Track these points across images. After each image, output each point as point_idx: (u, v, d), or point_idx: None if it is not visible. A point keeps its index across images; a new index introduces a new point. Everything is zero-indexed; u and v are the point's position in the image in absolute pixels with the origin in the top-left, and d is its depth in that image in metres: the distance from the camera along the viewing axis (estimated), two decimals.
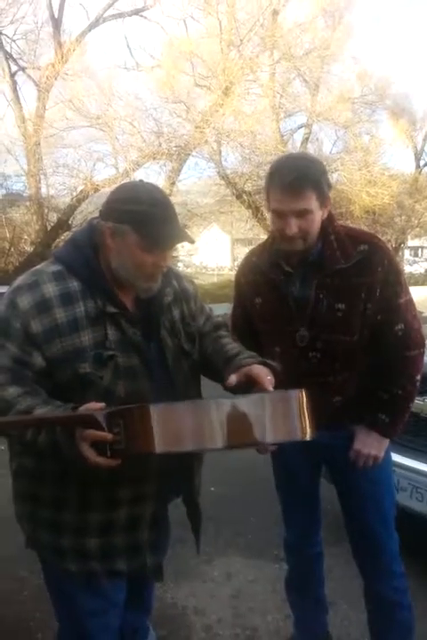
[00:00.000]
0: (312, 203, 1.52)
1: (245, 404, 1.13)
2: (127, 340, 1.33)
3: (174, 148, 12.04)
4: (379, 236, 1.77)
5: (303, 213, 1.53)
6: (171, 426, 1.10)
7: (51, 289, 1.30)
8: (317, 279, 1.60)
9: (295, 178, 1.50)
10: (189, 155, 12.89)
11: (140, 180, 1.41)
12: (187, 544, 1.95)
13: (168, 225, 1.30)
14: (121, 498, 1.35)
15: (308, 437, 1.17)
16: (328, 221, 1.63)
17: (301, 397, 1.18)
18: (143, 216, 1.27)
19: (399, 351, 1.62)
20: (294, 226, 1.53)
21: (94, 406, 1.17)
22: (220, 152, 13.56)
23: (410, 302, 1.65)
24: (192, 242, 1.39)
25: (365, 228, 9.58)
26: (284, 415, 1.16)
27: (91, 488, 1.32)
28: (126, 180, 10.53)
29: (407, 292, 1.65)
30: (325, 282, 1.60)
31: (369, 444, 1.66)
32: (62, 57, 12.51)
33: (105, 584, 1.39)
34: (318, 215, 1.56)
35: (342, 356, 1.63)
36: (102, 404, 1.17)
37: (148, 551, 1.41)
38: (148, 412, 1.10)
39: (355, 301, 1.59)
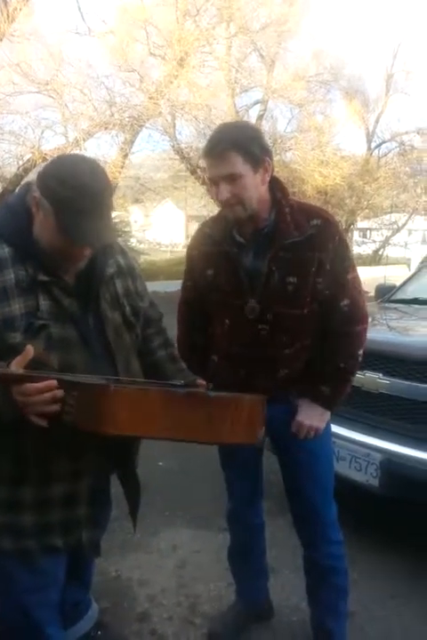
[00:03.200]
0: (238, 166, 1.52)
1: (211, 400, 1.17)
2: (62, 310, 1.28)
3: (127, 119, 11.68)
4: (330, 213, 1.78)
5: (232, 178, 1.53)
6: (125, 410, 1.09)
7: None
8: (271, 252, 1.60)
9: (217, 142, 1.53)
10: (143, 126, 12.54)
11: (84, 158, 1.33)
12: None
13: (90, 220, 1.21)
14: (57, 473, 1.32)
15: (255, 441, 1.24)
16: (282, 194, 1.64)
17: (256, 404, 1.24)
18: (66, 203, 1.19)
19: (344, 326, 1.66)
20: (224, 191, 1.54)
21: (47, 360, 1.15)
22: (174, 125, 13.33)
23: (357, 279, 1.69)
24: (111, 242, 1.37)
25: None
26: (247, 421, 1.22)
27: (26, 463, 1.29)
28: (76, 151, 10.15)
29: (355, 269, 1.69)
30: (278, 255, 1.60)
31: (311, 416, 1.70)
32: (8, 16, 11.80)
33: (42, 560, 1.36)
34: (252, 179, 1.56)
35: (290, 329, 1.65)
36: (53, 367, 1.15)
37: (84, 527, 1.39)
38: (108, 391, 1.08)
39: (306, 275, 1.60)
